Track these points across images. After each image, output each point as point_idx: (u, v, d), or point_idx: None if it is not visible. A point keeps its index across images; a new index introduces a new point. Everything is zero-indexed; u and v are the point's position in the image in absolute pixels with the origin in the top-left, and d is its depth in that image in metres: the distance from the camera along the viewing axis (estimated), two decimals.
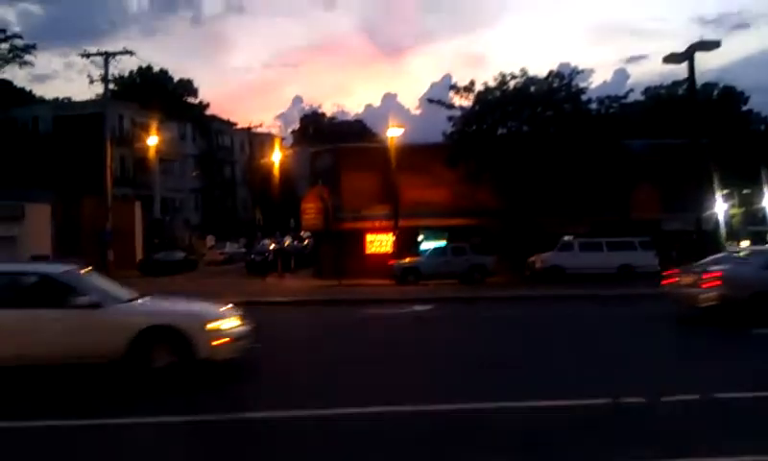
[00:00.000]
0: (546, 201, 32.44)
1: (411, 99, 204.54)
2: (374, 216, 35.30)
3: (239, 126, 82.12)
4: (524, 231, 33.40)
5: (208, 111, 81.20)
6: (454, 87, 35.05)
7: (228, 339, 9.70)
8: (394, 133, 34.73)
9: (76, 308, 9.44)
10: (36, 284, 10.00)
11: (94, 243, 38.18)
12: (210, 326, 9.63)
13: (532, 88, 34.46)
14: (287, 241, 53.18)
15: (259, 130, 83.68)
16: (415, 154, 34.76)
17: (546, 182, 31.79)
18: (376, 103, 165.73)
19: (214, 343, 9.52)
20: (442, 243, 34.30)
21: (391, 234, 34.18)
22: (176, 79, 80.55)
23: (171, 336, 9.39)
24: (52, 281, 9.92)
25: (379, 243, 35.56)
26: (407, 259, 32.05)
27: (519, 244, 32.84)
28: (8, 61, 65.11)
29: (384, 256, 33.78)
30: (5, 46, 64.55)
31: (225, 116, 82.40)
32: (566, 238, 31.72)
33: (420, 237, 35.88)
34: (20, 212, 35.30)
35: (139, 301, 10.35)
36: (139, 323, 9.46)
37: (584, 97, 35.11)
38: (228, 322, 9.94)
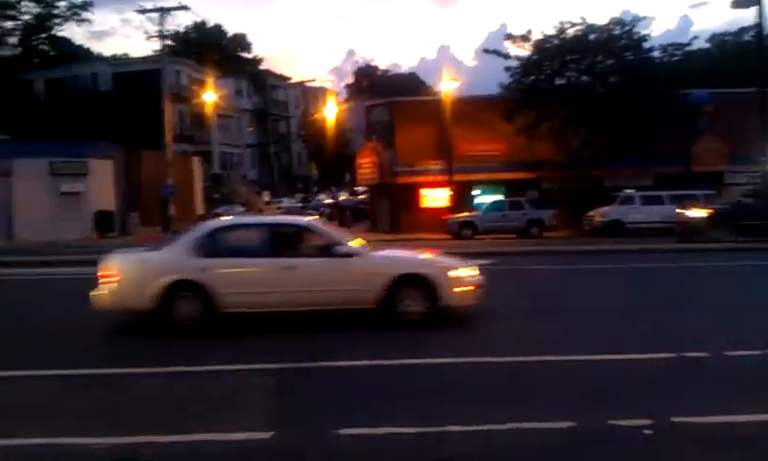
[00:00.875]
0: (606, 153, 31.81)
1: (466, 50, 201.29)
2: (429, 170, 35.17)
3: (293, 81, 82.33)
4: (583, 185, 32.88)
5: (262, 66, 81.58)
6: (511, 37, 34.41)
7: (468, 287, 10.07)
8: (448, 86, 34.35)
9: (336, 257, 9.91)
10: (299, 235, 10.60)
11: (155, 197, 39.10)
12: (453, 274, 10.02)
13: (592, 36, 33.61)
14: (342, 196, 53.52)
15: (313, 84, 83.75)
16: (470, 106, 34.38)
17: (606, 134, 31.14)
18: (431, 55, 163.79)
19: (456, 290, 9.92)
20: (498, 197, 34.01)
21: (446, 188, 34.03)
22: (230, 34, 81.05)
23: (419, 284, 9.83)
24: (312, 232, 10.52)
25: (434, 197, 35.46)
26: (463, 214, 31.94)
27: (578, 198, 32.36)
28: (66, 19, 66.34)
29: (439, 211, 33.72)
30: (63, 4, 65.73)
31: (278, 70, 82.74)
32: (627, 191, 31.04)
33: (476, 191, 35.63)
34: (85, 169, 36.30)
35: (381, 250, 10.75)
36: (392, 271, 9.91)
37: (646, 45, 34.14)
38: (467, 270, 10.27)
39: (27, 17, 64.98)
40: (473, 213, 32.30)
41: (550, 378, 7.34)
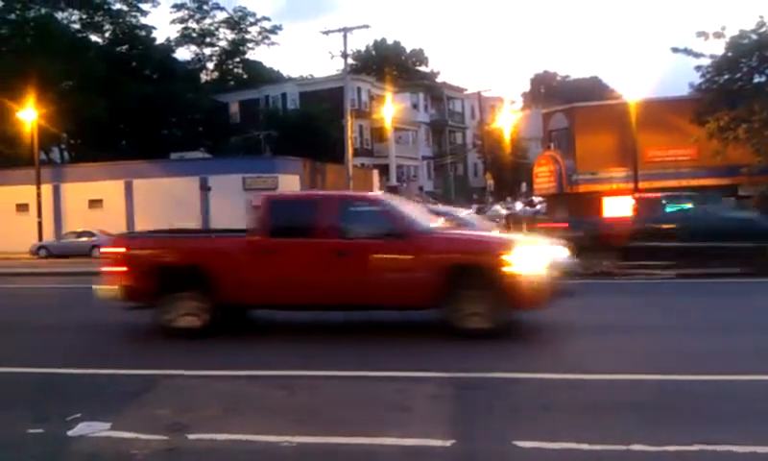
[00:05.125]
0: None
1: (652, 50, 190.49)
2: (612, 178, 33.66)
3: (469, 91, 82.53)
4: None
5: (439, 79, 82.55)
6: (703, 34, 32.12)
7: None
8: (633, 89, 32.69)
9: None
10: None
11: None
12: None
13: None
14: (518, 206, 52.75)
15: (489, 94, 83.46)
16: (657, 109, 32.52)
17: None
18: (612, 56, 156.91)
19: None
20: (689, 206, 31.79)
21: (630, 197, 32.32)
22: (408, 49, 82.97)
23: None
24: None
25: (618, 206, 33.81)
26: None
27: None
28: (258, 43, 71.55)
29: (623, 220, 32.08)
30: (255, 29, 70.92)
31: (455, 82, 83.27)
32: None
33: (664, 200, 33.53)
34: (275, 183, 38.67)
35: None
36: None
37: None
38: None
39: (223, 44, 70.88)
40: None
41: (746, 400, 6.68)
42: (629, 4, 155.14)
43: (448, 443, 5.55)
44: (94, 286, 11.18)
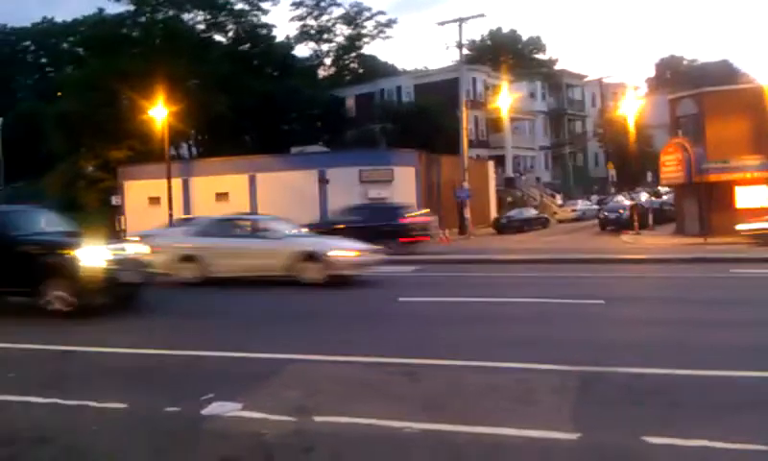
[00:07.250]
0: None
1: None
2: (746, 166, 31.67)
3: (589, 78, 79.82)
4: None
5: (557, 66, 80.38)
6: None
7: None
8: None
9: None
10: None
11: (452, 201, 40.61)
12: None
13: None
14: (643, 196, 50.68)
15: (610, 80, 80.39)
16: None
17: None
18: (744, 39, 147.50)
19: None
20: None
21: (766, 186, 30.30)
22: (524, 37, 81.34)
23: None
24: None
25: (753, 196, 31.77)
26: None
27: None
28: (373, 38, 72.42)
29: (759, 211, 30.12)
30: (371, 24, 71.79)
31: (575, 69, 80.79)
32: None
33: None
34: (390, 176, 38.93)
35: None
36: None
37: None
38: None
39: (340, 39, 72.23)
40: None
41: None
42: None
43: (575, 436, 5.40)
44: None
